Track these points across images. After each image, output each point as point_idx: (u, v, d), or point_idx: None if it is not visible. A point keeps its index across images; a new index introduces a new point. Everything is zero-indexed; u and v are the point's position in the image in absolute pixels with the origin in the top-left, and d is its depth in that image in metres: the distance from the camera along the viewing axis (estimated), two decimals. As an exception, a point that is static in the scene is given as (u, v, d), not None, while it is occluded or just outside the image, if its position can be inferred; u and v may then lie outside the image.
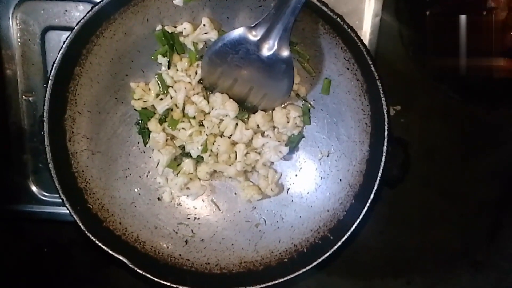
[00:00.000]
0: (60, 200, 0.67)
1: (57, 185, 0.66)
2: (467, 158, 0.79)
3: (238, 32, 0.64)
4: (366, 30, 0.74)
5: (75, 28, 0.63)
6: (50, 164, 0.66)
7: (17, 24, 0.75)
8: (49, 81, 0.64)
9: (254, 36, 0.64)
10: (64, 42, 0.63)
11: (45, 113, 0.65)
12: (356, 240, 0.79)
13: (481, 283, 0.81)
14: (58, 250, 0.85)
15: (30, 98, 0.78)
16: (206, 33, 0.69)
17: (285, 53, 0.64)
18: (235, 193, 0.76)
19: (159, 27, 0.69)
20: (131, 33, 0.68)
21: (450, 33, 0.74)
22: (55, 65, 0.64)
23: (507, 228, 0.80)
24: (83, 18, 0.62)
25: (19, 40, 0.76)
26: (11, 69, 0.76)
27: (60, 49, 0.63)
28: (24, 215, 0.82)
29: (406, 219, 0.81)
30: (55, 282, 0.86)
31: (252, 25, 0.63)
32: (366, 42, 0.74)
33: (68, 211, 0.67)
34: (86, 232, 0.67)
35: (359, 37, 0.61)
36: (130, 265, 0.67)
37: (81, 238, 0.68)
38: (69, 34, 0.63)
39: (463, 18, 0.72)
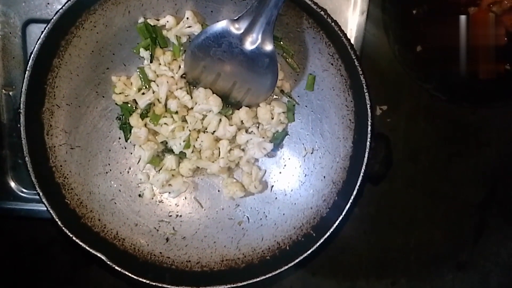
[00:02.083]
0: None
1: (33, 179, 0.65)
2: (452, 159, 0.79)
3: (221, 25, 0.63)
4: (351, 28, 0.74)
5: (54, 18, 0.61)
6: (26, 158, 0.64)
7: (-3, 16, 0.74)
8: (26, 72, 0.62)
9: (237, 29, 0.63)
10: (42, 32, 0.62)
11: (21, 105, 0.63)
12: (341, 240, 0.78)
13: (465, 284, 0.81)
14: (37, 248, 0.83)
15: (10, 92, 0.76)
16: (189, 26, 0.68)
17: (269, 47, 0.63)
18: (218, 190, 0.75)
19: (141, 20, 0.68)
20: (112, 25, 0.67)
21: (437, 32, 0.74)
22: (32, 56, 0.62)
23: (491, 229, 0.79)
24: (61, 7, 0.61)
25: (-1, 32, 0.74)
26: (-9, 62, 0.75)
27: (38, 39, 0.62)
28: (2, 212, 0.80)
29: (391, 219, 0.80)
30: (34, 282, 0.84)
31: (235, 18, 0.63)
32: (351, 40, 0.73)
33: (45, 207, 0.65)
34: (63, 227, 0.65)
35: (342, 31, 0.60)
36: (108, 262, 0.65)
37: (61, 236, 0.66)
38: (47, 24, 0.62)
39: (449, 17, 0.72)
